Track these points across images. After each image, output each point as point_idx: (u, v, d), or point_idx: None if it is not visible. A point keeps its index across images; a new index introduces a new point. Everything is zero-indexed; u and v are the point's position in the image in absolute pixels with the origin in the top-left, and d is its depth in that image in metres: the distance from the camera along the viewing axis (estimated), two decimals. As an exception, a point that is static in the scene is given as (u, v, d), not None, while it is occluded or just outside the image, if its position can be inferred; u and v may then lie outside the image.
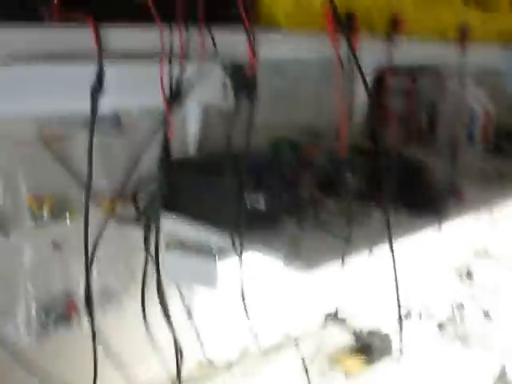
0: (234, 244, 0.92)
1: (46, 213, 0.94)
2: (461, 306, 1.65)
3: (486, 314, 1.61)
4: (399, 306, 0.97)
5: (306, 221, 0.95)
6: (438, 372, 1.46)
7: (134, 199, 1.01)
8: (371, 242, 0.96)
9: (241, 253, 0.93)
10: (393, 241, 0.96)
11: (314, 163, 1.04)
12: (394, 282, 0.94)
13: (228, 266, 0.95)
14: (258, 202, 0.92)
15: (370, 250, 0.95)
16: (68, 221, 0.95)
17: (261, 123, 1.00)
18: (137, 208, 1.00)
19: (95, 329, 0.95)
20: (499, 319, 1.59)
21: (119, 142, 0.93)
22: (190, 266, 0.97)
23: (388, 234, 0.93)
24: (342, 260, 0.90)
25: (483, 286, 1.78)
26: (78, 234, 0.96)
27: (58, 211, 0.95)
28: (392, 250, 0.93)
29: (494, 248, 1.94)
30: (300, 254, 0.89)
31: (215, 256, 0.95)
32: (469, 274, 1.84)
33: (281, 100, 1.17)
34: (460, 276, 1.82)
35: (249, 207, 0.92)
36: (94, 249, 0.92)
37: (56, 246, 0.95)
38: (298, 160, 1.03)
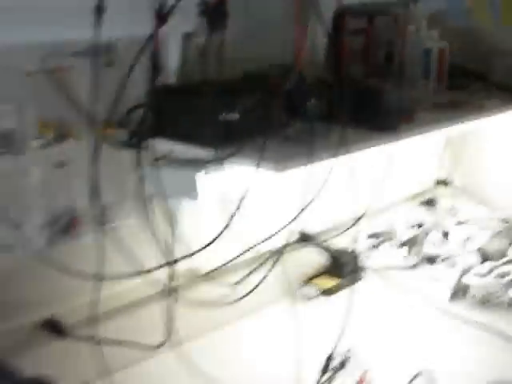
0: (213, 157, 1.08)
1: (51, 136, 1.08)
2: (423, 229, 1.80)
3: (445, 235, 1.77)
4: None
5: (275, 135, 1.10)
6: (402, 287, 1.61)
7: (125, 123, 1.16)
8: (332, 153, 1.12)
9: (220, 164, 1.09)
10: (350, 153, 1.12)
11: (280, 90, 1.19)
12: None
13: (209, 178, 1.10)
14: (233, 118, 1.07)
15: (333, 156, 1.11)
16: (70, 143, 1.10)
17: (232, 59, 1.16)
18: (127, 131, 1.15)
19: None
20: (456, 241, 1.76)
21: (111, 70, 1.07)
22: (174, 180, 1.11)
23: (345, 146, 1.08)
24: (307, 164, 1.06)
25: (444, 212, 1.94)
26: (79, 156, 1.13)
27: (61, 135, 1.09)
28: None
29: (455, 178, 2.10)
30: (270, 159, 1.05)
31: (197, 169, 1.10)
32: (430, 201, 1.99)
33: (250, 38, 1.31)
34: (422, 203, 1.98)
35: (225, 124, 1.07)
36: (96, 168, 1.08)
37: (60, 165, 1.09)
38: (267, 87, 1.17)
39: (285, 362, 1.16)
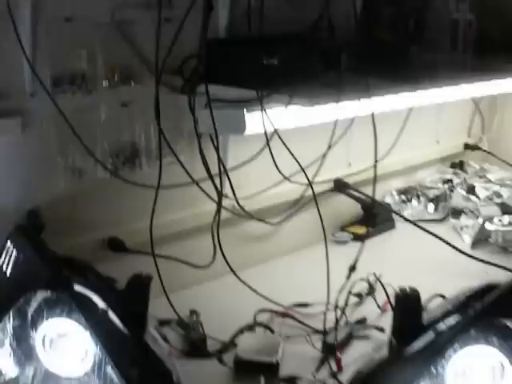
0: (256, 97, 1.25)
1: (116, 78, 1.26)
2: (450, 185, 1.95)
3: (470, 191, 1.92)
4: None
5: (310, 82, 1.28)
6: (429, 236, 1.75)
7: (181, 71, 1.34)
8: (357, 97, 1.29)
9: (261, 103, 1.26)
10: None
11: (316, 44, 1.36)
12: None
13: (252, 116, 1.28)
14: (272, 63, 1.25)
15: (359, 99, 1.28)
16: (132, 86, 1.28)
17: (273, 19, 1.33)
18: (182, 78, 1.33)
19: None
20: (480, 196, 1.90)
21: (170, 23, 1.24)
22: (223, 119, 1.28)
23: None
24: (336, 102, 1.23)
25: (471, 173, 2.08)
26: (140, 98, 1.31)
27: (125, 79, 1.28)
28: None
29: (483, 144, 2.24)
30: (304, 97, 1.22)
31: (242, 108, 1.28)
32: (459, 164, 2.14)
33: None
34: (452, 164, 2.13)
35: (265, 69, 1.25)
36: (158, 108, 1.26)
37: (124, 104, 1.28)
38: (305, 42, 1.35)
39: (318, 289, 1.30)
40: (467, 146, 2.21)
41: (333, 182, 1.73)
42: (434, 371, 0.92)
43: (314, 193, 1.35)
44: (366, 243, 1.28)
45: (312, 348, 1.21)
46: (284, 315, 1.31)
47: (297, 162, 1.29)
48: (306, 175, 1.32)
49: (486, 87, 1.75)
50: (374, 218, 1.80)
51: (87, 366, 0.99)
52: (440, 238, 1.63)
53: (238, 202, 1.45)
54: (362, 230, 1.75)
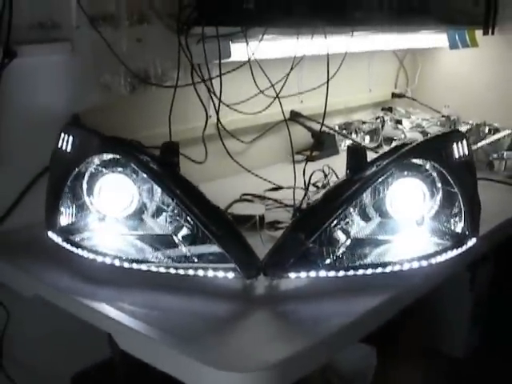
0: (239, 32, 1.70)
1: (135, 19, 1.70)
2: (382, 121, 2.44)
3: (398, 123, 2.41)
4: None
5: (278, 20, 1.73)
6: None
7: (179, 16, 1.77)
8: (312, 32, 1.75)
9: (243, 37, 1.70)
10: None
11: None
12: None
13: (237, 46, 1.72)
14: (250, 6, 1.70)
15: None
16: (145, 25, 1.72)
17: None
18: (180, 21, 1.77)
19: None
20: (406, 126, 2.40)
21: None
22: (213, 50, 1.73)
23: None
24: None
25: (399, 114, 2.58)
26: (150, 35, 1.75)
27: (141, 19, 1.71)
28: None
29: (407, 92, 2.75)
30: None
31: (228, 40, 1.72)
32: (388, 108, 2.64)
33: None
34: (383, 109, 2.63)
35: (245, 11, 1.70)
36: (161, 45, 1.68)
37: (138, 40, 1.70)
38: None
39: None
40: (394, 95, 2.70)
41: (289, 113, 2.17)
42: (376, 192, 1.37)
43: (284, 116, 1.78)
44: (316, 163, 1.72)
45: (287, 213, 1.66)
46: (262, 197, 1.75)
47: (272, 86, 1.73)
48: (278, 99, 1.76)
49: (408, 41, 2.25)
50: (321, 144, 2.26)
51: (131, 211, 1.37)
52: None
53: (219, 121, 1.89)
54: (313, 154, 2.21)
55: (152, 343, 1.07)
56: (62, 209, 1.33)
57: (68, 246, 1.28)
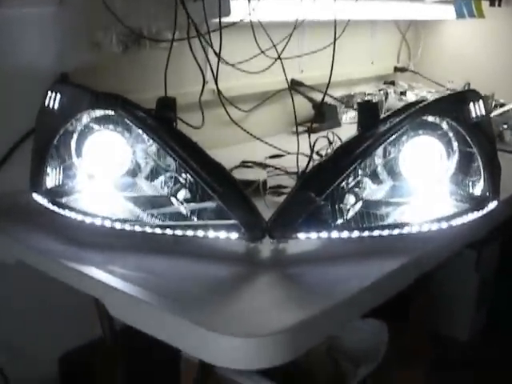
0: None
1: None
2: (386, 92, 2.34)
3: (402, 94, 2.31)
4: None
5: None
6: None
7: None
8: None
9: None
10: None
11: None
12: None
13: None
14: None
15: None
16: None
17: None
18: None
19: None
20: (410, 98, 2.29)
21: None
22: (211, 7, 1.62)
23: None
24: None
25: (402, 87, 2.48)
26: None
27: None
28: None
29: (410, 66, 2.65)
30: None
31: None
32: (391, 82, 2.53)
33: None
34: (385, 82, 2.52)
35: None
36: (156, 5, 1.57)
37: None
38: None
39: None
40: (397, 69, 2.59)
41: (290, 82, 2.05)
42: (387, 152, 1.26)
43: (287, 79, 1.66)
44: (316, 135, 1.59)
45: (290, 180, 1.55)
46: (263, 164, 1.64)
47: (274, 46, 1.62)
48: (280, 60, 1.65)
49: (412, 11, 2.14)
50: (323, 116, 2.15)
51: (123, 171, 1.25)
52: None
53: (217, 87, 1.77)
54: (314, 125, 2.10)
55: (147, 308, 0.96)
56: (49, 169, 1.22)
57: (54, 208, 1.17)
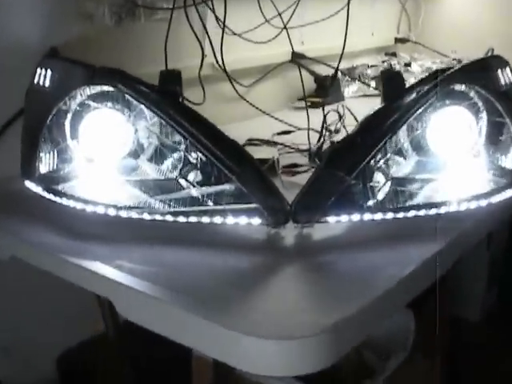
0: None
1: None
2: (389, 64, 2.21)
3: (408, 66, 2.19)
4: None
5: None
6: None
7: None
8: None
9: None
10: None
11: None
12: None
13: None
14: None
15: None
16: None
17: None
18: None
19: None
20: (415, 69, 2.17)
21: None
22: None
23: None
24: None
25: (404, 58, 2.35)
26: None
27: None
28: None
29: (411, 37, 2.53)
30: None
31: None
32: (392, 54, 2.41)
33: None
34: (386, 54, 2.40)
35: None
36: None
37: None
38: None
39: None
40: (397, 40, 2.47)
41: (291, 54, 1.93)
42: (415, 125, 1.14)
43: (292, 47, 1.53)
44: (320, 110, 1.50)
45: (302, 158, 1.42)
46: (271, 142, 1.51)
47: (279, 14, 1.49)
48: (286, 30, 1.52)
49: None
50: (326, 90, 2.02)
51: (125, 153, 1.13)
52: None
53: (217, 61, 1.64)
54: (316, 100, 1.97)
55: (161, 306, 0.85)
56: (42, 154, 1.09)
57: (50, 196, 1.04)
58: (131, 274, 0.88)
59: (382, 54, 2.41)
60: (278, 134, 1.54)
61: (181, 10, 1.47)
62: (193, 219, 0.96)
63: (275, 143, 1.48)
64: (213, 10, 1.46)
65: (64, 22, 1.35)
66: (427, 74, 1.18)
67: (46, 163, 1.10)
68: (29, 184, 1.07)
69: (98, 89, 1.10)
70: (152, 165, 1.12)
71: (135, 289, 0.87)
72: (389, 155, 1.11)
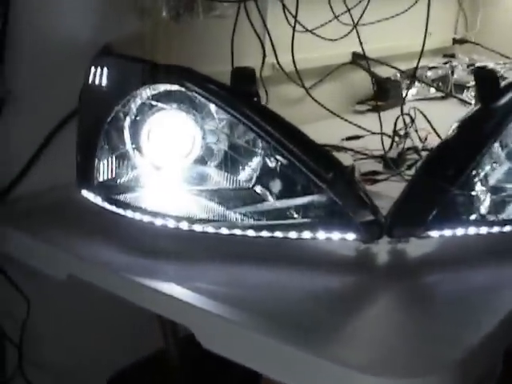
0: None
1: None
2: (451, 65, 2.08)
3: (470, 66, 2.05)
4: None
5: None
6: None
7: None
8: None
9: None
10: None
11: None
12: None
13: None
14: None
15: None
16: None
17: None
18: None
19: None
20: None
21: None
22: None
23: None
24: None
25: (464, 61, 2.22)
26: None
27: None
28: None
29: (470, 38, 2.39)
30: None
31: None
32: (451, 55, 2.28)
33: None
34: (444, 55, 2.27)
35: None
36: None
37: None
38: None
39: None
40: (455, 41, 2.34)
41: (351, 55, 1.80)
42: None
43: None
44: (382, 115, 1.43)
45: (375, 162, 1.30)
46: (340, 147, 1.39)
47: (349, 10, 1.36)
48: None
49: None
50: (386, 92, 1.89)
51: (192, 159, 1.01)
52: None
53: (277, 61, 1.52)
54: (378, 103, 1.85)
55: (246, 334, 0.75)
56: (100, 160, 0.96)
57: (111, 208, 0.91)
58: (213, 297, 0.77)
59: (439, 55, 2.26)
60: (348, 138, 1.40)
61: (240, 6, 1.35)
62: (278, 234, 0.84)
63: (344, 148, 1.35)
64: (283, 6, 1.33)
65: (118, 18, 1.23)
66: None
67: (104, 171, 0.99)
68: (86, 194, 0.97)
69: (161, 88, 0.97)
70: (222, 172, 1.00)
71: (219, 315, 0.75)
72: (489, 161, 0.98)
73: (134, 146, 1.00)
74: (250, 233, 0.85)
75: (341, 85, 1.78)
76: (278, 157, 0.89)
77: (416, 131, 1.43)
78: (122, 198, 0.95)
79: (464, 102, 1.88)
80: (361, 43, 1.40)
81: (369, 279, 0.84)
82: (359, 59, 1.81)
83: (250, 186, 0.95)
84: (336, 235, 0.84)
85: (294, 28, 1.37)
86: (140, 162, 1.00)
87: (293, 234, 0.84)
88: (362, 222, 0.83)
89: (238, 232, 0.86)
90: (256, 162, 0.94)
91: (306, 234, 0.84)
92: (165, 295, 0.79)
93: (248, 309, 0.75)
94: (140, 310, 0.84)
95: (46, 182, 1.11)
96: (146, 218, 0.89)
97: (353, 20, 1.41)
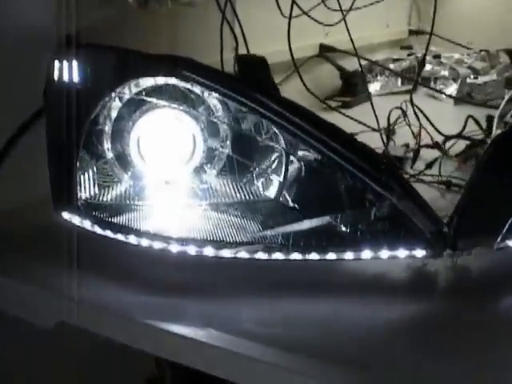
0: None
1: None
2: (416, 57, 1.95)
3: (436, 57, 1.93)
4: None
5: None
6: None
7: None
8: None
9: None
10: None
11: None
12: None
13: None
14: None
15: None
16: None
17: None
18: None
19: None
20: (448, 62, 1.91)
21: None
22: None
23: None
24: None
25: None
26: None
27: None
28: None
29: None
30: None
31: None
32: (408, 47, 2.16)
33: None
34: (402, 47, 2.15)
35: None
36: None
37: None
38: None
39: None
40: (412, 32, 2.23)
41: (318, 47, 1.65)
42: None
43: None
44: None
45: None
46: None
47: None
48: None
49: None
50: (353, 87, 1.75)
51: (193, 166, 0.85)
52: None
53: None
54: (347, 99, 1.70)
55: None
56: (81, 173, 0.76)
57: (106, 233, 0.72)
58: (257, 340, 0.58)
59: (397, 47, 2.15)
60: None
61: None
62: (331, 256, 0.66)
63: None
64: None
65: (81, 3, 1.03)
66: None
67: (87, 186, 0.79)
68: (68, 216, 0.76)
69: (149, 82, 0.79)
70: (227, 180, 0.82)
71: (265, 361, 0.56)
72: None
73: (117, 153, 0.81)
74: (296, 256, 0.67)
75: (308, 80, 1.61)
76: (311, 158, 0.71)
77: (409, 125, 1.28)
78: (118, 219, 0.75)
79: (436, 92, 1.74)
80: (348, 30, 1.23)
81: (438, 305, 0.69)
82: (327, 52, 1.64)
83: (272, 196, 0.77)
84: (402, 253, 0.66)
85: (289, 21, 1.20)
86: (131, 172, 0.80)
87: (349, 255, 0.67)
88: (432, 237, 0.66)
89: (279, 256, 0.68)
90: (273, 167, 0.76)
91: (366, 254, 0.67)
92: (188, 340, 0.60)
93: (303, 351, 0.57)
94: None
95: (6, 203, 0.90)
96: (158, 245, 0.70)
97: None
